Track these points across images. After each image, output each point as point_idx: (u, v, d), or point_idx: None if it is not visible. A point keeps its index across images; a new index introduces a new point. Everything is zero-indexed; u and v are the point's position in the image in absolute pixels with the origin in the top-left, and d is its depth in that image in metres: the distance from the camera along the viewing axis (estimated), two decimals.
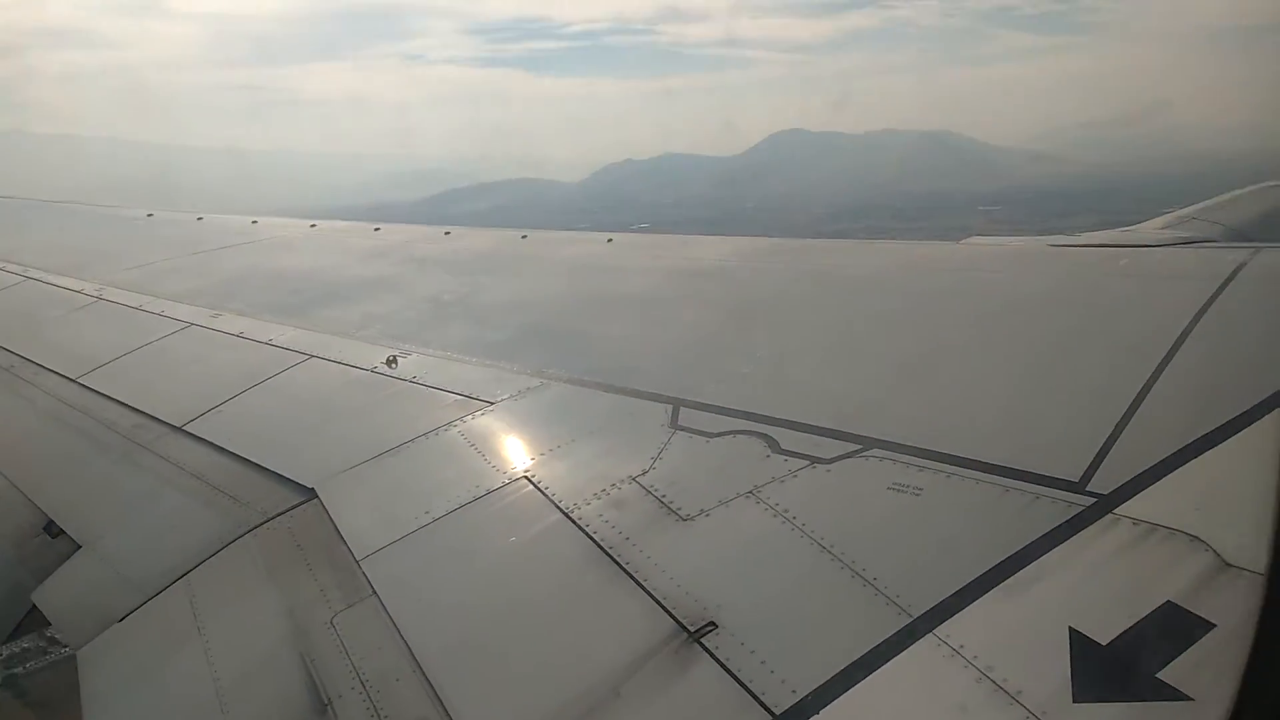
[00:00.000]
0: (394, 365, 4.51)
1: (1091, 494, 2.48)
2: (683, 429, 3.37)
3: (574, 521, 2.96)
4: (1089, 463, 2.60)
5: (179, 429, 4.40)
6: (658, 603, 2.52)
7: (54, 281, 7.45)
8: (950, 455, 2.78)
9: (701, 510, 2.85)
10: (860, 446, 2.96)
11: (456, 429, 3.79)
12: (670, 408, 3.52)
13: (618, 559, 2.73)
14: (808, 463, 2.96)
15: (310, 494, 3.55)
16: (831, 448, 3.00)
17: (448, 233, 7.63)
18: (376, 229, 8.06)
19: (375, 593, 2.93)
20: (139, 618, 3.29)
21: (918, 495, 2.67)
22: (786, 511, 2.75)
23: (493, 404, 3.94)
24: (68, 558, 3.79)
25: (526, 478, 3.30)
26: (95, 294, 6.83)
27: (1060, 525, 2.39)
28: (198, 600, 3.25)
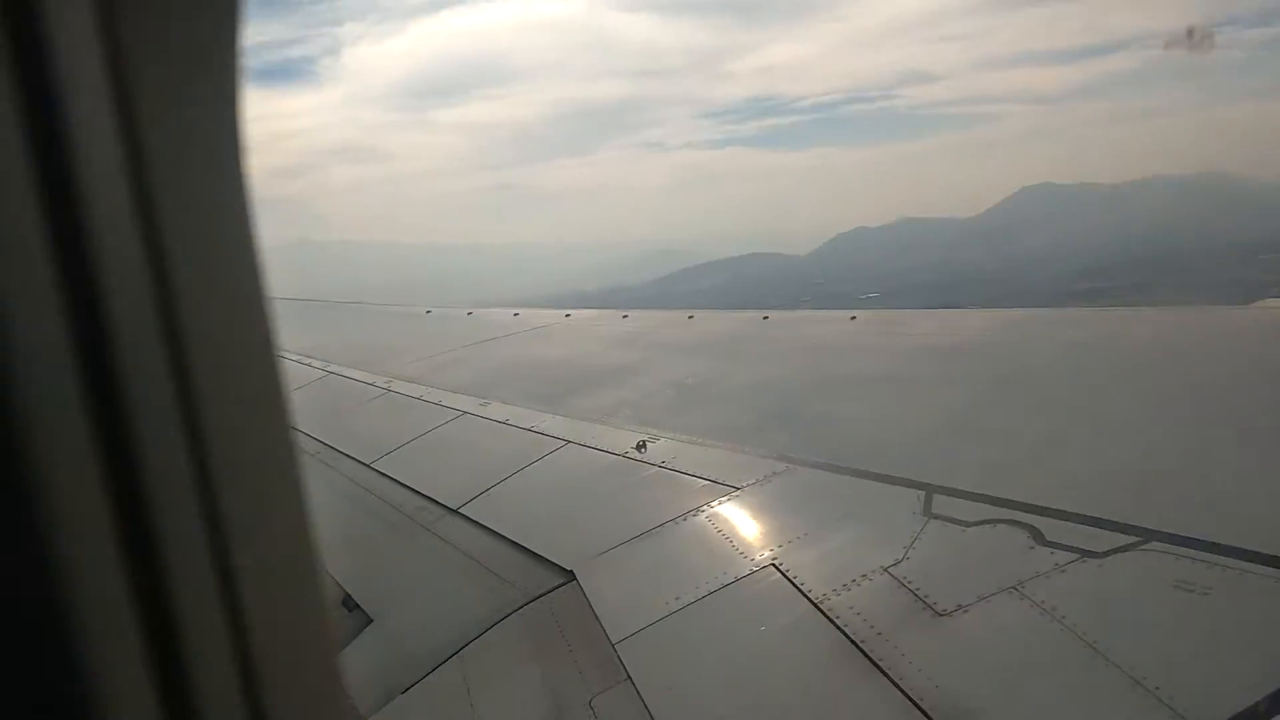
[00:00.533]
0: (644, 450, 4.69)
1: None
2: (937, 517, 3.26)
3: (823, 613, 2.91)
4: None
5: (455, 511, 4.74)
6: (913, 703, 2.43)
7: (350, 375, 8.27)
8: (1242, 549, 2.52)
9: (959, 605, 2.73)
10: (1138, 539, 2.75)
11: (704, 514, 3.87)
12: (923, 494, 3.41)
13: (870, 654, 2.65)
14: (1077, 556, 2.77)
15: (569, 576, 3.73)
16: (1104, 540, 2.79)
17: (691, 317, 7.89)
18: (625, 316, 8.46)
19: (629, 677, 3.01)
20: (420, 691, 3.52)
21: (1206, 595, 2.43)
22: (1055, 610, 2.57)
23: (739, 489, 3.98)
24: (361, 630, 4.13)
25: (774, 565, 3.30)
26: (385, 386, 7.51)
27: None
28: (469, 675, 3.45)
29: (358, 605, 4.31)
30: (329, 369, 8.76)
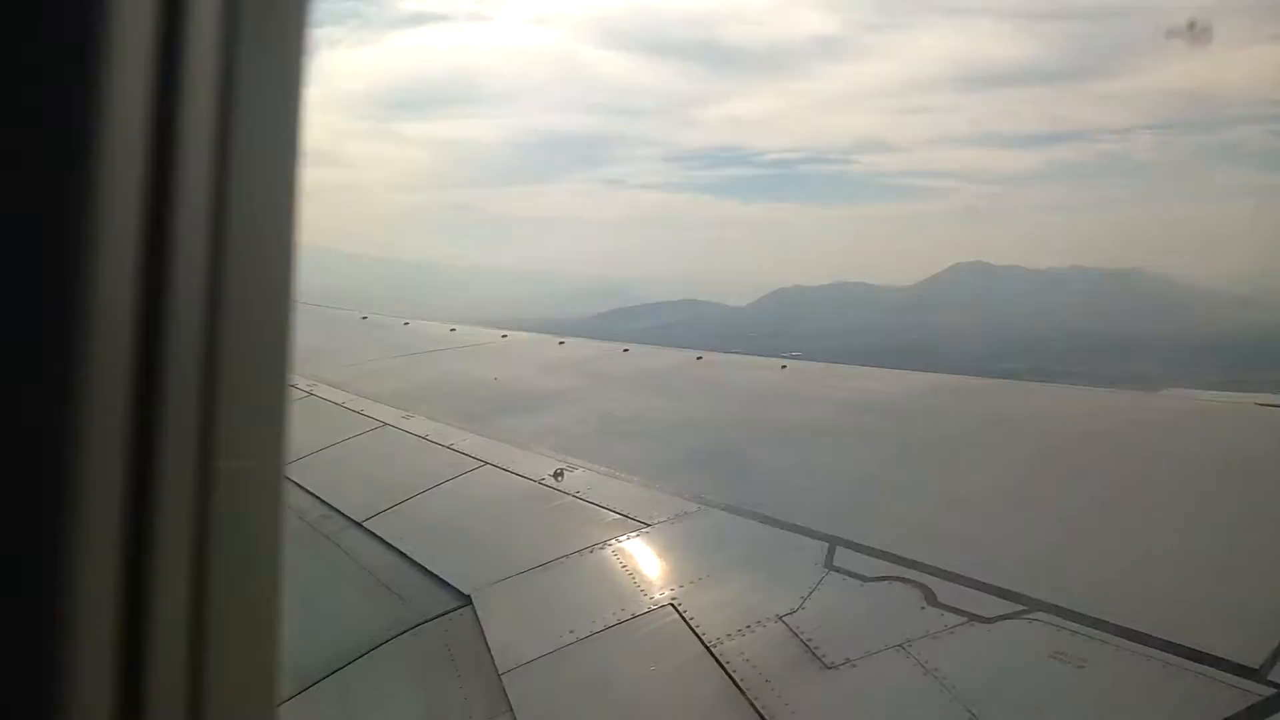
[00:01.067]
0: (560, 479, 4.66)
1: (1272, 684, 2.28)
2: (837, 569, 3.30)
3: (715, 657, 2.91)
4: (1272, 650, 2.39)
5: (359, 524, 4.65)
6: None
7: None
8: (1120, 626, 2.61)
9: (847, 659, 2.76)
10: (1024, 608, 2.81)
11: (610, 548, 3.85)
12: (826, 546, 3.46)
13: (754, 702, 2.66)
14: (965, 619, 2.83)
15: (466, 600, 3.68)
16: (993, 605, 2.86)
17: (626, 350, 7.90)
18: (561, 343, 8.42)
19: (510, 709, 2.96)
20: (297, 705, 3.46)
21: (1080, 668, 2.50)
22: (937, 670, 2.62)
23: (649, 525, 3.99)
24: None
25: (673, 605, 3.30)
26: (307, 389, 7.38)
27: (1235, 715, 2.21)
28: (351, 697, 3.40)
29: None
30: None
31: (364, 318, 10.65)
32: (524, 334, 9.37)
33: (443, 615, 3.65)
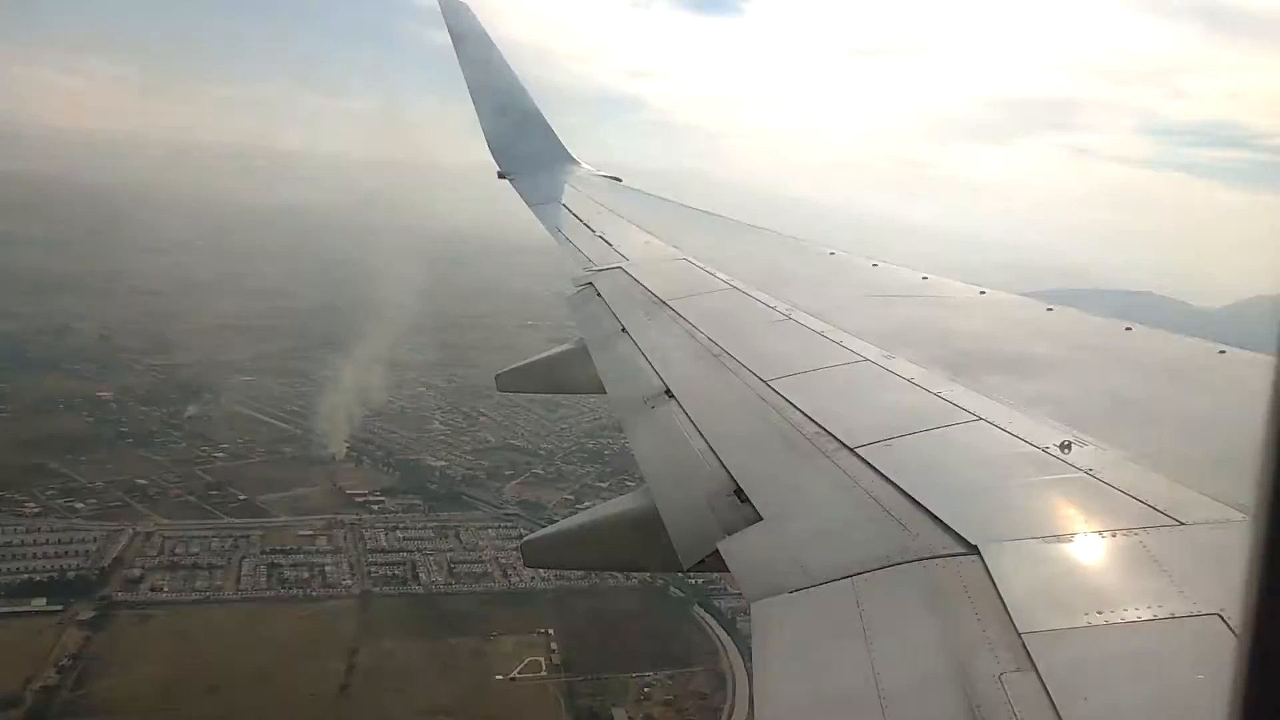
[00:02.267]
0: (1068, 451, 4.35)
1: None
2: None
3: None
4: None
5: (851, 449, 4.73)
6: None
7: (754, 295, 8.54)
8: None
9: None
10: None
11: (1138, 538, 3.52)
12: None
13: None
14: None
15: (971, 550, 3.58)
16: None
17: (1129, 329, 7.13)
18: (1049, 309, 7.81)
19: (1036, 670, 2.85)
20: (807, 596, 3.62)
21: None
22: None
23: (1182, 524, 3.59)
24: (750, 523, 4.34)
25: (1220, 616, 2.93)
26: (786, 313, 7.64)
27: None
28: (863, 601, 3.48)
29: (748, 500, 4.52)
30: (733, 284, 9.06)
31: (831, 253, 10.64)
32: (1003, 294, 8.70)
33: (951, 557, 3.59)
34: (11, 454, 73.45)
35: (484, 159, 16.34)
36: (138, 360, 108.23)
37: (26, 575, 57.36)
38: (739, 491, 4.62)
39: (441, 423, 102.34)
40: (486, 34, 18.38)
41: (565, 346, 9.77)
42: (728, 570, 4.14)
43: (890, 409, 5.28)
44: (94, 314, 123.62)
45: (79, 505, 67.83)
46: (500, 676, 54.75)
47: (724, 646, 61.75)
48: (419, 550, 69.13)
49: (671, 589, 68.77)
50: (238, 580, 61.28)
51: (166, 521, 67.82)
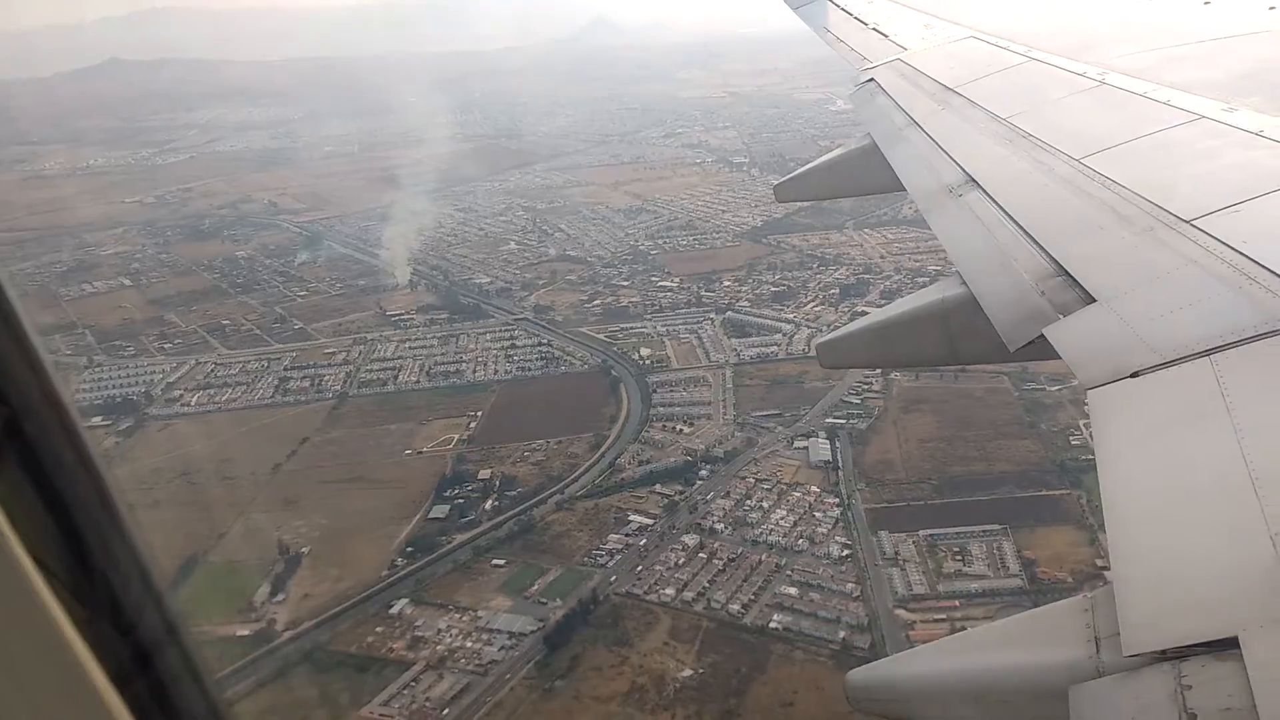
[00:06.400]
0: None
1: None
2: None
3: None
4: None
5: (1189, 221, 4.34)
6: None
7: (1055, 63, 7.80)
8: None
9: None
10: None
11: None
12: None
13: None
14: None
15: None
16: None
17: None
18: None
19: None
20: (1157, 379, 3.40)
21: None
22: None
23: None
24: (1081, 306, 4.14)
25: None
26: (1097, 78, 6.92)
27: None
28: (1226, 379, 3.19)
29: (1076, 281, 4.27)
30: (1031, 55, 8.33)
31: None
32: None
33: None
34: (141, 311, 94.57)
35: None
36: (292, 219, 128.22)
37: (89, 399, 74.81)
38: (1064, 273, 4.39)
39: (517, 243, 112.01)
40: None
41: (844, 149, 9.54)
42: (1056, 356, 3.96)
43: (1235, 169, 4.83)
44: (281, 185, 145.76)
45: (167, 345, 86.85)
46: (409, 451, 65.54)
47: (628, 414, 68.39)
48: (413, 356, 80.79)
49: (613, 370, 75.38)
50: (249, 393, 76.76)
51: (228, 352, 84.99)
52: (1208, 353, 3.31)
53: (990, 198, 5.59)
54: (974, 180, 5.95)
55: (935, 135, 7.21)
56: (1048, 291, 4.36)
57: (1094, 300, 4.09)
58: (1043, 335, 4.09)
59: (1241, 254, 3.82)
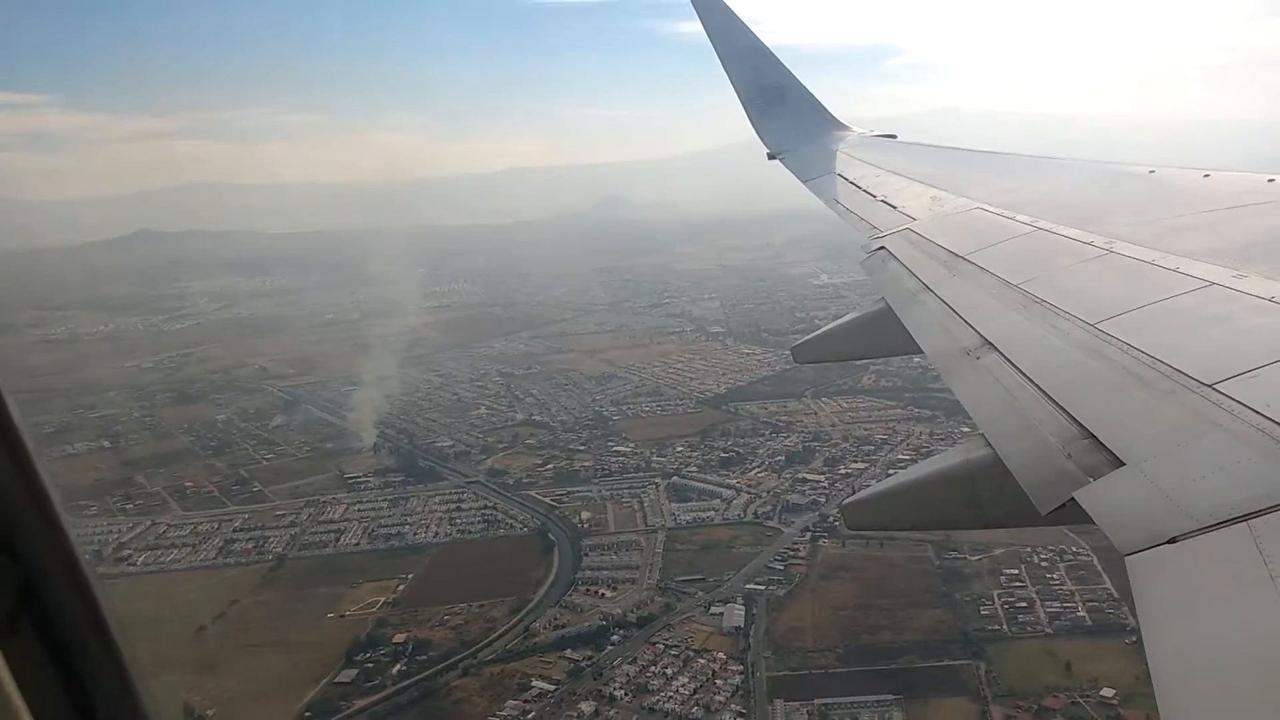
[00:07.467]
0: None
1: None
2: None
3: None
4: None
5: (1209, 386, 4.38)
6: None
7: (1063, 232, 8.05)
8: None
9: None
10: None
11: None
12: None
13: None
14: None
15: None
16: None
17: None
18: None
19: None
20: (1196, 545, 3.37)
21: None
22: None
23: None
24: (1109, 469, 4.12)
25: None
26: (1105, 247, 7.16)
27: None
28: (1266, 547, 3.17)
29: (1103, 445, 4.32)
30: (1037, 225, 8.62)
31: (1150, 171, 9.68)
32: None
33: None
34: (113, 472, 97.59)
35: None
36: (277, 383, 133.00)
37: None
38: (1089, 436, 4.45)
39: (487, 408, 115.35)
40: (736, 16, 19.17)
41: (859, 312, 9.97)
42: (1087, 520, 3.96)
43: (1249, 334, 4.89)
44: (277, 350, 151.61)
45: (128, 506, 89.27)
46: (332, 615, 66.31)
47: (556, 578, 69.26)
48: (359, 519, 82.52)
49: (550, 534, 76.60)
50: (194, 554, 78.25)
51: (183, 513, 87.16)
52: (1245, 518, 3.28)
53: (1008, 360, 5.72)
54: (990, 343, 6.09)
55: (948, 300, 7.42)
56: (1074, 454, 4.36)
57: (1122, 463, 4.07)
58: (1073, 498, 4.08)
59: (1265, 417, 3.81)
